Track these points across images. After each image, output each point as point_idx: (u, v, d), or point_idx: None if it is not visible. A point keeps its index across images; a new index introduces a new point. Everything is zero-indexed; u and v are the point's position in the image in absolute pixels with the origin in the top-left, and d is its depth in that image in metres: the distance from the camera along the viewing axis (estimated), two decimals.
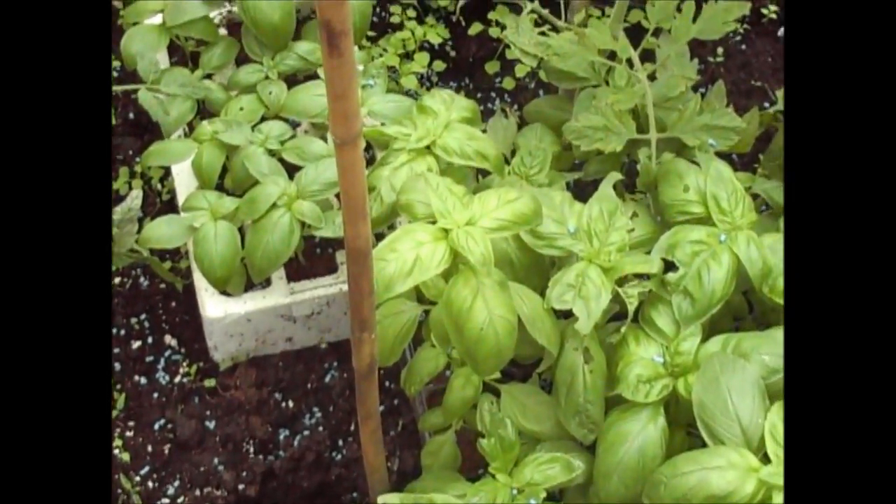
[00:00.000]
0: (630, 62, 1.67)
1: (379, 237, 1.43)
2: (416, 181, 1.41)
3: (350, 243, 1.10)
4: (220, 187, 1.81)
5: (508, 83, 2.14)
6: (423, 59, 2.09)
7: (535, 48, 1.67)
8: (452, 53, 2.20)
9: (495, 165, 1.54)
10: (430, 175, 1.41)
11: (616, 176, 1.55)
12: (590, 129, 1.61)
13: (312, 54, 1.89)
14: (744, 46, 2.23)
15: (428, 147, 1.53)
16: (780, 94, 1.74)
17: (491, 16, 2.13)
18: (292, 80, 1.90)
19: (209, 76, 1.92)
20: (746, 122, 1.74)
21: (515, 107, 2.13)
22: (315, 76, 1.87)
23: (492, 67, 2.15)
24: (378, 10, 2.21)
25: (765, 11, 2.25)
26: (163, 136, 1.83)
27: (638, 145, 1.63)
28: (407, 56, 2.11)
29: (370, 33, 2.15)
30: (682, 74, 1.65)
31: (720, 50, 2.21)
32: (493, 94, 2.17)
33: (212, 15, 1.93)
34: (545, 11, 1.76)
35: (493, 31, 2.14)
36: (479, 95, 2.16)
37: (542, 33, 1.70)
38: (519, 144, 1.73)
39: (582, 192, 1.70)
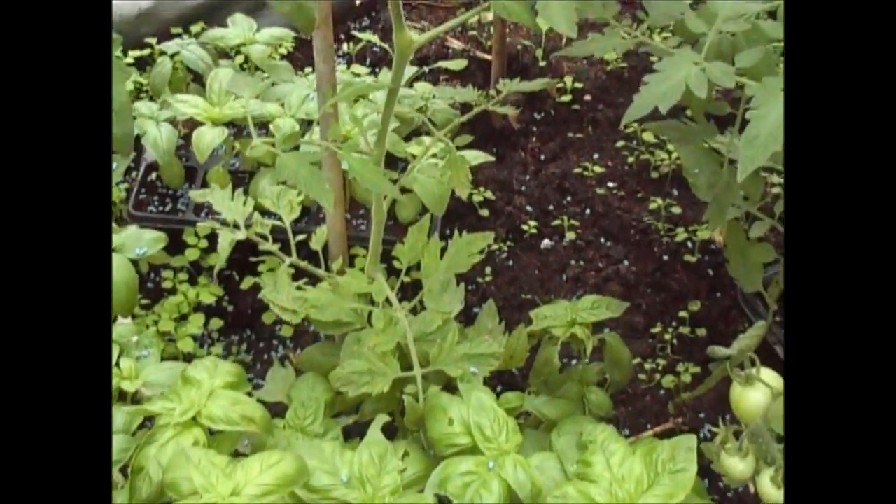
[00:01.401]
0: (389, 302, 1.73)
1: None
2: (179, 457, 1.42)
3: None
4: None
5: (287, 330, 2.18)
6: (198, 319, 2.12)
7: (293, 303, 1.71)
8: (230, 308, 2.23)
9: (262, 426, 1.56)
10: (191, 449, 1.42)
11: (383, 418, 1.59)
12: (355, 374, 1.65)
13: None
14: (510, 262, 2.33)
15: (195, 418, 1.54)
16: (534, 313, 1.81)
17: (261, 268, 2.18)
18: None
19: None
20: (516, 338, 1.81)
21: (298, 351, 2.16)
22: None
23: (269, 318, 2.19)
24: (151, 275, 2.24)
25: (525, 227, 2.36)
26: None
27: (406, 382, 1.68)
28: (183, 318, 2.13)
29: (144, 301, 2.17)
30: (439, 310, 1.72)
31: (488, 269, 2.29)
32: (275, 342, 2.20)
33: None
34: (304, 263, 1.81)
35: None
36: (260, 345, 2.19)
37: (300, 287, 1.75)
38: (292, 396, 1.75)
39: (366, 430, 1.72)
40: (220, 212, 1.81)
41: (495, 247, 2.34)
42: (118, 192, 2.33)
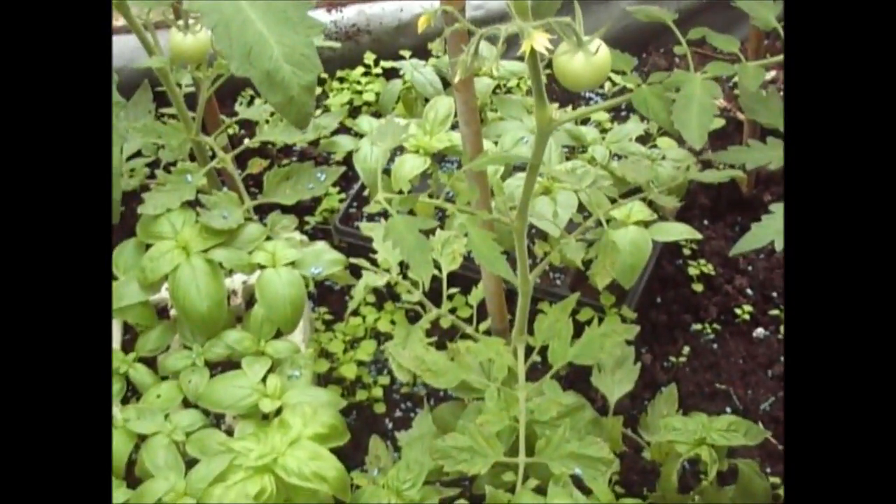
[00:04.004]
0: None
1: None
2: None
3: None
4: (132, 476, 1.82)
5: None
6: (369, 346, 2.09)
7: (410, 362, 1.65)
8: None
9: (336, 487, 1.51)
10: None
11: None
12: (455, 449, 1.57)
13: (240, 343, 1.92)
14: (715, 346, 2.16)
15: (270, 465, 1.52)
16: (665, 421, 1.66)
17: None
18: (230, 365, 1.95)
19: (142, 359, 1.97)
20: None
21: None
22: (237, 366, 1.90)
23: None
24: (344, 292, 2.24)
25: (738, 311, 2.18)
26: None
27: (504, 469, 1.58)
28: (356, 342, 2.12)
29: (327, 317, 2.17)
30: (556, 399, 1.61)
31: (687, 348, 2.13)
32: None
33: None
34: (452, 318, 1.75)
35: None
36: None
37: (437, 344, 1.69)
38: (403, 454, 1.70)
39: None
40: None
41: (699, 326, 2.17)
42: (333, 202, 2.34)
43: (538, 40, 1.16)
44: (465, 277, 1.93)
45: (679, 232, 1.99)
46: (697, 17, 2.57)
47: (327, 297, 2.26)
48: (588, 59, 1.20)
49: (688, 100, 1.27)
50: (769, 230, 1.24)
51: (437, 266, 1.77)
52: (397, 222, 1.42)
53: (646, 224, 1.98)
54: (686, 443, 1.58)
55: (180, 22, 1.77)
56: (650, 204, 2.01)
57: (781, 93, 2.51)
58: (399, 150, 2.13)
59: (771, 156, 1.40)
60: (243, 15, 0.96)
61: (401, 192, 2.05)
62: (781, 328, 2.16)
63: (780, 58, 1.37)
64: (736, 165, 1.68)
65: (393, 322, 2.14)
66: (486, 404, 1.62)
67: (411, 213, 1.93)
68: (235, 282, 2.09)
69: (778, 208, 1.27)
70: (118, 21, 2.39)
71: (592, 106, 1.43)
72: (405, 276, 1.80)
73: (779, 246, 1.23)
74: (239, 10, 0.96)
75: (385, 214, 1.47)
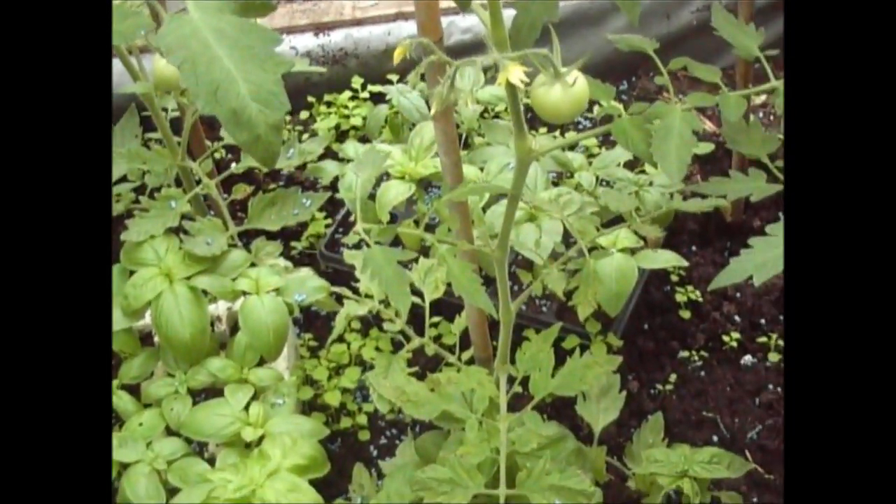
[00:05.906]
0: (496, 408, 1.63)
1: None
2: None
3: None
4: None
5: None
6: (354, 374, 2.08)
7: (391, 392, 1.64)
8: None
9: None
10: None
11: None
12: (435, 480, 1.56)
13: (223, 371, 1.91)
14: (702, 373, 2.14)
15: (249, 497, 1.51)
16: (647, 453, 1.65)
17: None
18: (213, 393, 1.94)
19: (125, 387, 1.95)
20: None
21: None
22: (221, 393, 1.89)
23: None
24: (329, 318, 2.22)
25: (726, 338, 2.17)
26: None
27: (486, 500, 1.57)
28: (341, 369, 2.10)
29: (312, 343, 2.16)
30: (536, 430, 1.59)
31: (674, 376, 2.12)
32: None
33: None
34: (435, 346, 1.74)
35: None
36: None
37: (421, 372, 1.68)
38: (384, 485, 1.69)
39: None
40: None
41: (687, 354, 2.16)
42: (319, 227, 2.33)
43: (514, 73, 1.15)
44: (451, 304, 1.92)
45: (666, 259, 1.98)
46: (689, 40, 2.56)
47: (313, 324, 2.24)
48: (565, 90, 1.19)
49: (667, 131, 1.26)
50: (749, 264, 1.23)
51: (420, 294, 1.76)
52: (375, 253, 1.42)
53: (632, 251, 1.97)
54: (668, 475, 1.57)
55: None
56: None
57: (772, 118, 2.51)
58: (385, 175, 2.12)
59: (752, 187, 1.39)
60: (210, 52, 0.95)
61: (380, 221, 2.04)
62: (769, 355, 2.14)
63: (767, 86, 1.37)
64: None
65: (378, 349, 2.12)
66: (466, 435, 1.60)
67: (396, 241, 1.93)
68: (220, 308, 2.08)
69: (756, 242, 1.26)
70: None
71: (577, 134, 1.42)
72: (388, 305, 1.79)
73: (758, 281, 1.22)
74: (206, 46, 0.95)
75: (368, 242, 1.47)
